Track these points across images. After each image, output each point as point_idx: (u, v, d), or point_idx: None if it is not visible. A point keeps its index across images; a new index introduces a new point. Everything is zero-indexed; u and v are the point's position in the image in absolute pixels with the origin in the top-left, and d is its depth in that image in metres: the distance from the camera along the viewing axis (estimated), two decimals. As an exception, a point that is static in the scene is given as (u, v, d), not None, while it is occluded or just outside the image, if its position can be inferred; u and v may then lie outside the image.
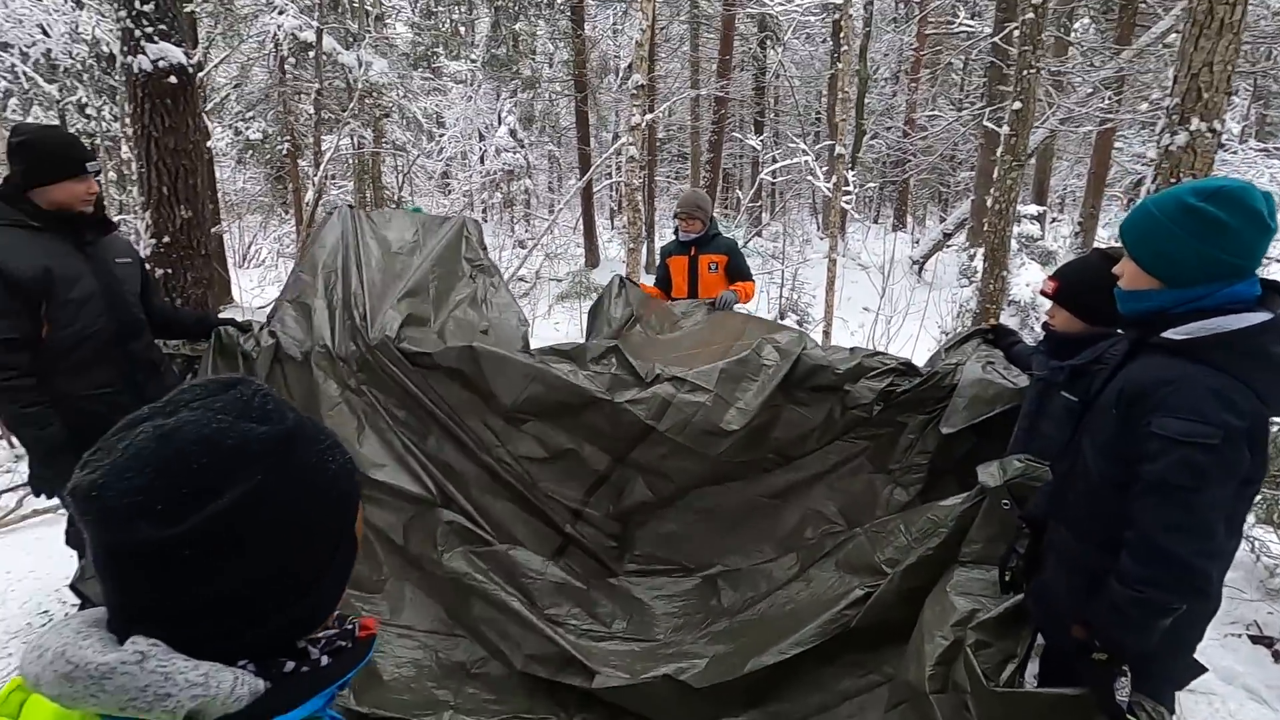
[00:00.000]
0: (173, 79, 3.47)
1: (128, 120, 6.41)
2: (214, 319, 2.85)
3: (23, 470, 4.36)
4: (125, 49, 3.46)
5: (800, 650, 2.18)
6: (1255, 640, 2.89)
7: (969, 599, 1.90)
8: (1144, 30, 9.96)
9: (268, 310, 2.95)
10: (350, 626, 0.72)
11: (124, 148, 7.44)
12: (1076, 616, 1.58)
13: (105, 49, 7.30)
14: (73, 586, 2.40)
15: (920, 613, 2.00)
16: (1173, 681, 1.67)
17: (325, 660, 0.67)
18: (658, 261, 4.55)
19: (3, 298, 2.20)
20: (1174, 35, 8.97)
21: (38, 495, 2.50)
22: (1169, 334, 1.47)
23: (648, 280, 5.35)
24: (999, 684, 1.65)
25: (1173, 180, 3.09)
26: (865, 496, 2.63)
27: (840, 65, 7.39)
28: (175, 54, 3.47)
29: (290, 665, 0.64)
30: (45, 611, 3.13)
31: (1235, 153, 10.21)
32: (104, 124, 7.97)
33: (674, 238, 4.36)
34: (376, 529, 2.55)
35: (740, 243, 7.22)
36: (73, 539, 2.62)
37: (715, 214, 4.46)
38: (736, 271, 4.24)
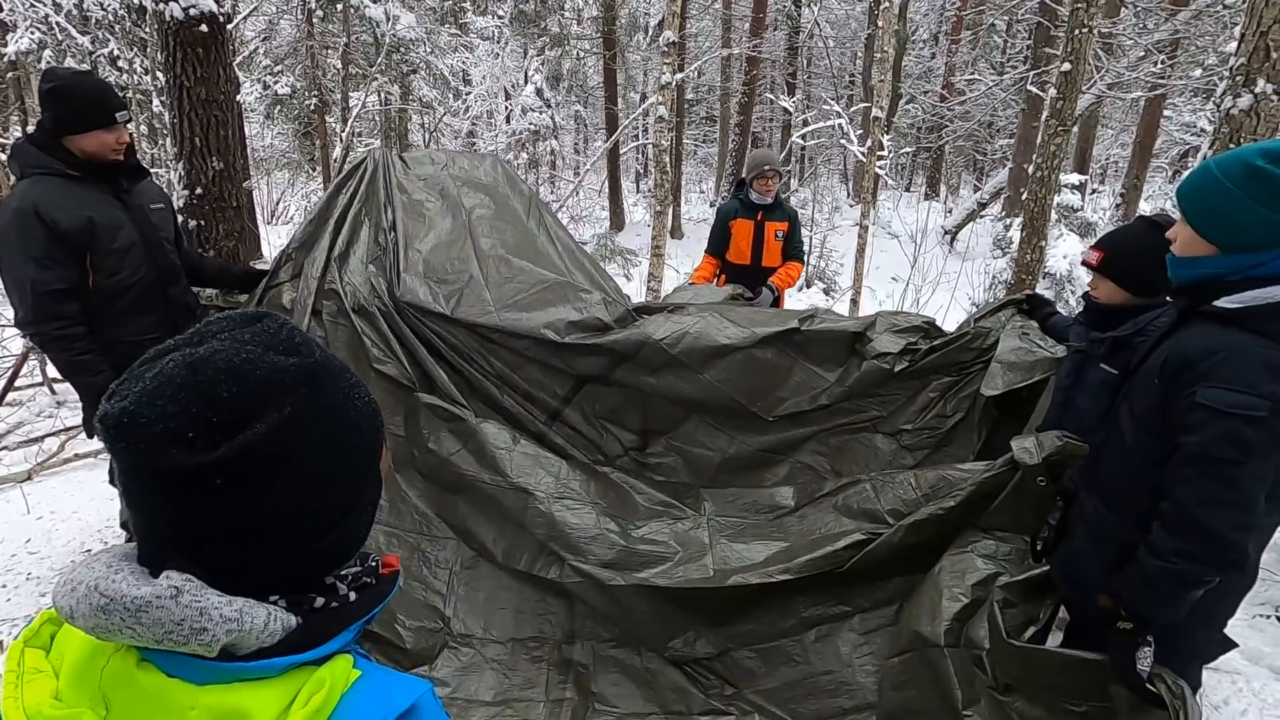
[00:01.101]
0: (204, 28, 3.45)
1: (159, 71, 6.41)
2: (237, 270, 2.86)
3: (64, 415, 4.51)
4: (157, -4, 3.45)
5: (787, 579, 2.18)
6: (1283, 621, 2.86)
7: (992, 563, 1.91)
8: (1204, -11, 9.42)
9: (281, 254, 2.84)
10: (373, 563, 0.72)
11: (155, 101, 7.46)
12: (1105, 587, 1.56)
13: (136, 0, 7.28)
14: (124, 524, 2.49)
15: (936, 567, 2.00)
16: (1199, 656, 1.65)
17: (353, 596, 0.67)
18: (714, 221, 4.26)
19: (50, 249, 2.23)
20: (1236, -5, 8.48)
21: (91, 438, 2.59)
22: (1221, 302, 1.42)
23: (674, 244, 5.23)
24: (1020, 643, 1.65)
25: (1231, 146, 2.93)
26: (863, 457, 2.55)
27: (879, 24, 7.12)
28: (206, 2, 3.44)
29: (320, 601, 0.65)
30: (88, 550, 3.26)
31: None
32: (135, 76, 7.99)
33: (735, 199, 4.13)
34: None
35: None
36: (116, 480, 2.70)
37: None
38: (790, 244, 4.06)
